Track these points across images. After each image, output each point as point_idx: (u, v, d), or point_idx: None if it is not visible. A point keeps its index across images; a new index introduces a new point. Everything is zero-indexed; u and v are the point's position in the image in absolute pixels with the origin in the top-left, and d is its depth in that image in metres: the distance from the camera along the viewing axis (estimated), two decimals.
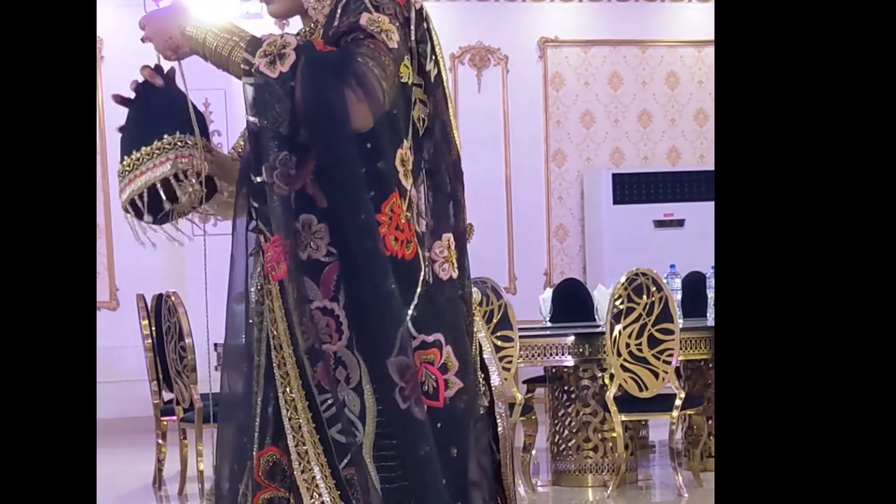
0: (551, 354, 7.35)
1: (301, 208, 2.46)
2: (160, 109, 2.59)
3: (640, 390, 7.02)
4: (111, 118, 12.21)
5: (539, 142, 11.98)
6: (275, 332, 2.51)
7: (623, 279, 7.05)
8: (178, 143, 2.56)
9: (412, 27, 2.57)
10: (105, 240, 11.05)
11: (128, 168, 2.58)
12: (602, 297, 7.70)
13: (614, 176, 11.71)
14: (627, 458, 7.33)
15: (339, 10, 2.58)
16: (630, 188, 11.70)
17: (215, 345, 8.45)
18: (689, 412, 7.35)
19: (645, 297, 6.98)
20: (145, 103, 2.60)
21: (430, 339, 2.56)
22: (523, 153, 11.85)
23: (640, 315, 6.97)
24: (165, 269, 10.74)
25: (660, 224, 11.65)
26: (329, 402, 2.47)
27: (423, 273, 2.57)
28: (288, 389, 2.50)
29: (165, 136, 2.55)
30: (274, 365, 2.52)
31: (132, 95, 2.66)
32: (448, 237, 2.66)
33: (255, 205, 2.49)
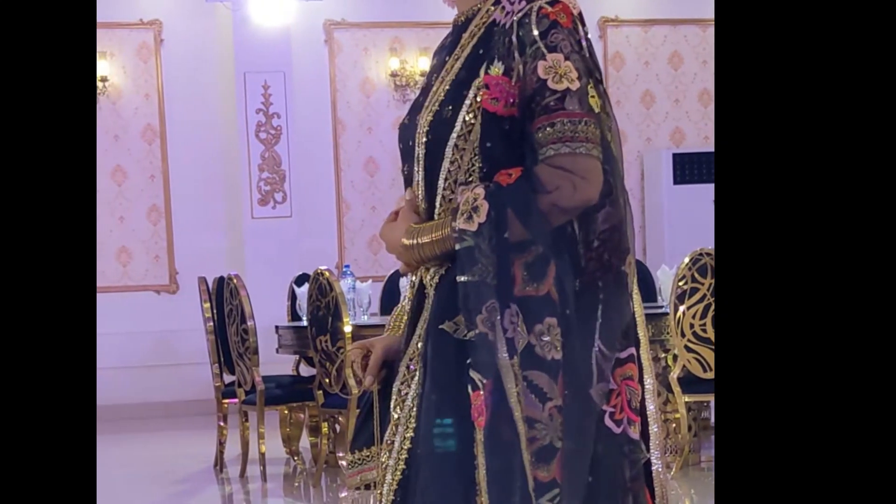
0: None
1: (546, 312, 2.47)
2: (370, 421, 2.78)
3: (704, 371, 6.97)
4: (170, 102, 12.08)
5: None
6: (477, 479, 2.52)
7: (687, 259, 6.98)
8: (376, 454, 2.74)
9: (584, 42, 2.53)
10: (165, 223, 11.09)
11: (357, 461, 2.79)
12: (665, 278, 7.64)
13: (675, 156, 11.64)
14: (691, 439, 7.28)
15: (514, 35, 2.51)
16: (690, 168, 11.62)
17: (276, 327, 8.48)
18: None
19: (709, 277, 6.91)
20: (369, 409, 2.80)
21: (624, 355, 2.56)
22: None
23: (705, 295, 6.90)
24: (225, 251, 10.76)
25: None
26: (557, 493, 2.47)
27: (601, 294, 2.54)
28: None
29: (373, 447, 2.75)
30: None
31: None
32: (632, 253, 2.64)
33: (469, 360, 2.49)
